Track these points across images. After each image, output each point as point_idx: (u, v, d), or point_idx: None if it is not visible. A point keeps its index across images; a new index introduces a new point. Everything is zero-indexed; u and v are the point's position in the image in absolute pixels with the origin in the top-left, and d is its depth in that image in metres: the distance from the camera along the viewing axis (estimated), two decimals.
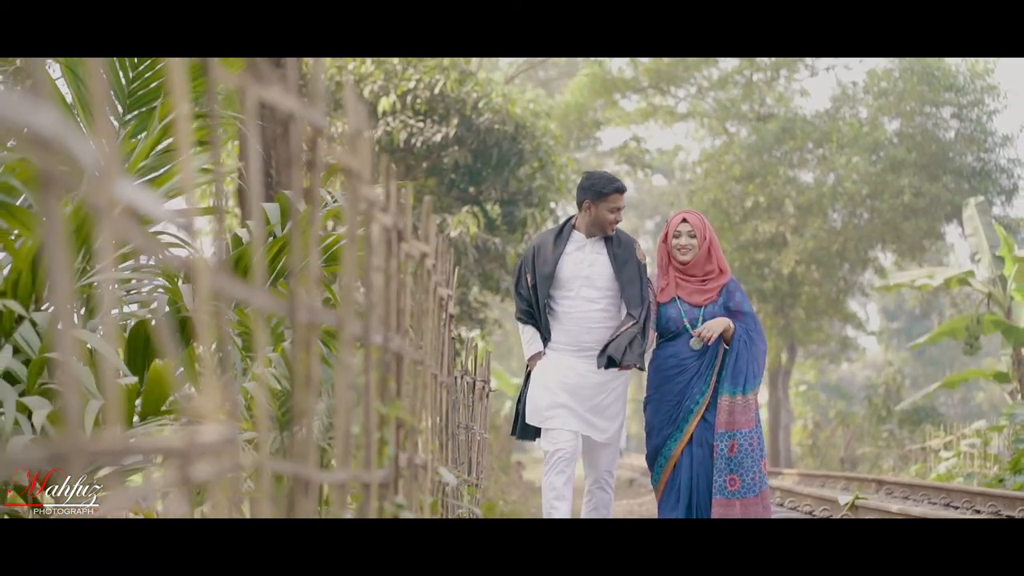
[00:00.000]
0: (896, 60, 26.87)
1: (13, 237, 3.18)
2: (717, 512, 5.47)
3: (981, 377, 19.37)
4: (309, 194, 1.73)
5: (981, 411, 41.22)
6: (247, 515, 1.86)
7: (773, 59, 28.88)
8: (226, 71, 1.48)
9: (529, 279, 5.69)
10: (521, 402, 5.75)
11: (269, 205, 4.12)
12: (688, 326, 5.62)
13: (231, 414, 1.32)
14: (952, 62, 26.66)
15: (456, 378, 5.13)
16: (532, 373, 5.69)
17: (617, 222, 5.67)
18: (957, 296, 25.61)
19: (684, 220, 5.68)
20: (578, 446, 5.61)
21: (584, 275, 5.62)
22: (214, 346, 1.50)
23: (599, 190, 5.58)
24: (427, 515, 2.97)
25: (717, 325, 5.54)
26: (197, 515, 2.54)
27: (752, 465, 5.49)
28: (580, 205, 5.68)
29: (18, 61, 3.99)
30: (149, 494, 2.65)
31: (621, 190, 5.63)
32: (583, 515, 5.73)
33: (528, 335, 5.70)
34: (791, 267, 25.91)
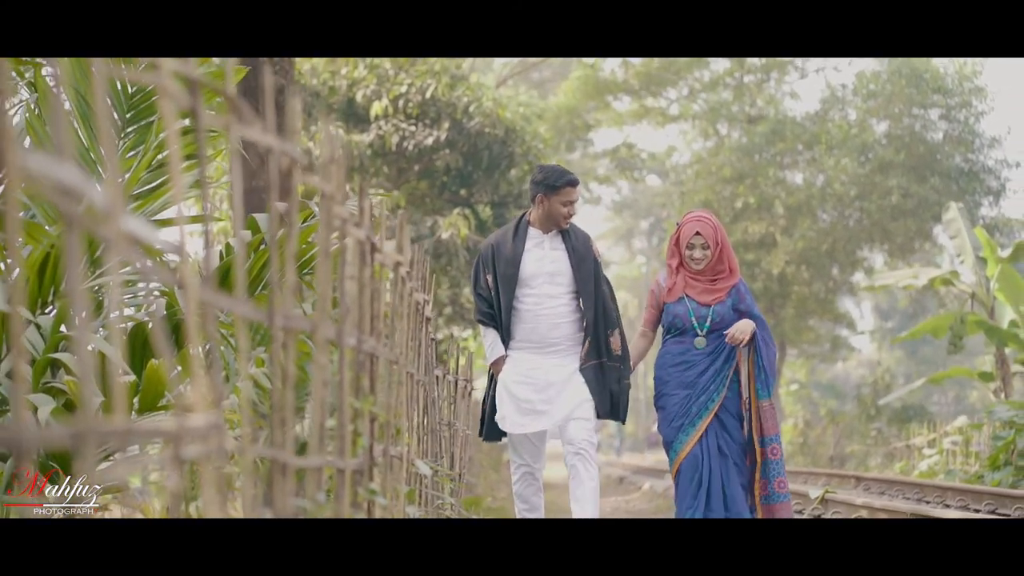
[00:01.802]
0: (884, 63, 27.15)
1: (19, 247, 3.42)
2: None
3: (965, 376, 19.63)
4: (287, 217, 1.98)
5: (974, 409, 41.50)
6: (235, 502, 2.08)
7: (763, 62, 29.17)
8: (214, 114, 1.73)
9: (490, 280, 5.63)
10: (486, 403, 5.72)
11: (261, 216, 4.36)
12: (695, 324, 5.59)
13: (216, 404, 1.57)
14: (940, 64, 26.95)
15: (438, 377, 5.37)
16: (498, 378, 5.64)
17: (571, 216, 5.61)
18: (946, 296, 25.92)
19: (698, 232, 5.60)
20: (544, 456, 5.65)
21: (547, 272, 5.59)
22: (206, 347, 1.75)
23: (551, 184, 5.52)
24: (402, 503, 3.22)
25: (746, 327, 5.51)
26: (191, 505, 2.77)
27: (781, 469, 5.54)
28: (533, 199, 5.63)
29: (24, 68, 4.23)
30: (145, 476, 2.89)
31: (573, 183, 5.56)
32: (571, 500, 5.54)
33: (490, 339, 5.65)
34: (781, 267, 26.19)
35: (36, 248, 3.35)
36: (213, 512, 1.62)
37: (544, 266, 5.59)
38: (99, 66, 3.68)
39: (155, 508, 3.33)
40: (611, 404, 5.56)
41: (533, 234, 5.64)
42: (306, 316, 3.58)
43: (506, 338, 5.63)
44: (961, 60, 26.90)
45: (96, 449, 1.16)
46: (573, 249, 5.59)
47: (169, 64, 1.53)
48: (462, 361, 6.42)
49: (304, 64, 15.29)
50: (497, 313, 5.62)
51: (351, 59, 15.70)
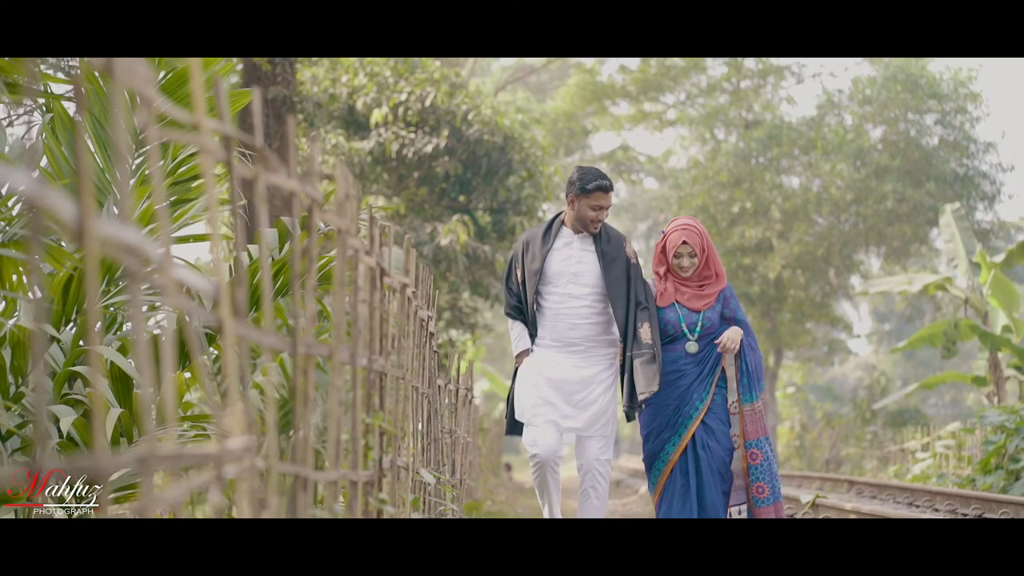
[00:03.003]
0: (880, 68, 27.37)
1: (44, 268, 3.60)
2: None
3: (959, 380, 19.82)
4: (307, 251, 2.16)
5: (970, 413, 41.74)
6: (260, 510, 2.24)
7: (760, 67, 29.38)
8: (244, 163, 1.91)
9: (519, 274, 5.68)
10: (511, 399, 5.76)
11: (268, 231, 4.55)
12: (686, 330, 5.65)
13: (249, 427, 1.76)
14: (935, 69, 27.17)
15: (440, 386, 5.55)
16: (519, 370, 5.69)
17: (599, 221, 5.60)
18: (942, 300, 26.13)
19: (684, 242, 5.64)
20: (559, 445, 5.59)
21: (572, 272, 5.62)
22: (211, 356, 1.92)
23: (583, 186, 5.53)
24: (408, 510, 3.40)
25: (736, 334, 5.58)
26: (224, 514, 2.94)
27: (774, 471, 5.62)
28: (567, 198, 5.64)
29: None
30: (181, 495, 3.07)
31: (605, 189, 5.54)
32: (579, 514, 5.63)
33: (516, 332, 5.71)
34: (777, 271, 26.38)
35: (60, 270, 3.53)
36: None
37: (569, 266, 5.63)
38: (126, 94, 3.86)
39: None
40: (635, 384, 5.51)
41: (564, 233, 5.69)
42: (313, 328, 3.76)
43: (532, 333, 5.69)
44: (956, 65, 27.13)
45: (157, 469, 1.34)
46: (603, 252, 5.61)
47: (208, 124, 1.71)
48: (463, 369, 6.60)
49: (304, 71, 15.48)
50: (525, 308, 5.68)
51: (351, 68, 15.89)
